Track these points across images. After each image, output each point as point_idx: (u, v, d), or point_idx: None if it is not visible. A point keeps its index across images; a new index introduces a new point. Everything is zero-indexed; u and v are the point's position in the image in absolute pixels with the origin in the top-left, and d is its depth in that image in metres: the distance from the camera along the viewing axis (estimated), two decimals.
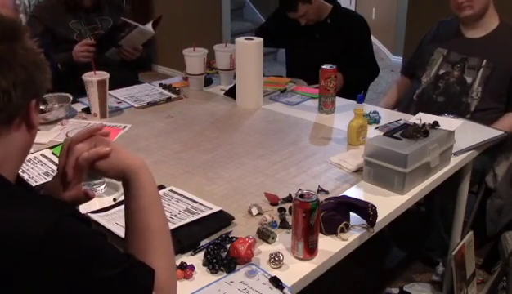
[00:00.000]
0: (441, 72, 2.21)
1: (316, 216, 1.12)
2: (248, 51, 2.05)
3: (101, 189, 1.42)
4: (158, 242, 0.90)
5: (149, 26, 2.33)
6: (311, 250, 1.14)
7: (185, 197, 1.37)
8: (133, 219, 0.92)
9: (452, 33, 2.24)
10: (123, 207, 1.31)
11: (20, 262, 0.71)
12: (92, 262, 0.77)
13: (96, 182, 1.40)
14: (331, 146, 1.76)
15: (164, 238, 0.92)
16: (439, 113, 1.76)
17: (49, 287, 0.73)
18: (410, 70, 2.44)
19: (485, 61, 2.12)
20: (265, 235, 1.20)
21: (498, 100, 2.12)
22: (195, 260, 1.13)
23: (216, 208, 1.30)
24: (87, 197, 1.01)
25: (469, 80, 2.14)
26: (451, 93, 2.16)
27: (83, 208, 1.30)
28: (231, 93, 2.19)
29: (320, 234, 1.17)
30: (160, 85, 2.37)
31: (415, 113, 1.83)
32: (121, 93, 2.27)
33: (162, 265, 0.88)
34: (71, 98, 2.03)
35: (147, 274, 0.85)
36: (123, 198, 1.37)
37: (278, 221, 1.27)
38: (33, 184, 1.42)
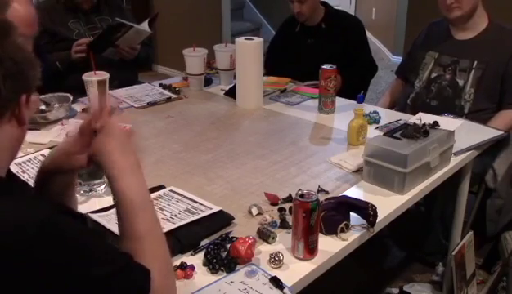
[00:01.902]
0: (433, 75, 2.21)
1: (316, 216, 1.12)
2: (248, 51, 2.05)
3: (101, 189, 1.41)
4: (147, 246, 0.87)
5: (145, 25, 2.33)
6: (311, 250, 1.14)
7: (185, 197, 1.37)
8: (119, 223, 0.90)
9: (443, 35, 2.24)
10: None
11: (9, 261, 0.71)
12: (85, 260, 0.76)
13: (96, 182, 1.40)
14: (331, 146, 1.76)
15: (154, 242, 0.89)
16: None
17: (42, 286, 0.72)
18: (404, 72, 2.44)
19: (476, 63, 2.11)
20: (265, 235, 1.20)
21: (491, 100, 2.12)
22: (195, 260, 1.13)
23: (216, 208, 1.30)
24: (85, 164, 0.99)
25: (460, 82, 2.14)
26: (444, 96, 2.16)
27: (84, 208, 1.30)
28: (231, 93, 2.19)
29: (320, 234, 1.17)
30: (160, 85, 2.37)
31: None
32: (121, 93, 2.27)
33: (154, 268, 0.85)
34: (71, 98, 2.03)
35: (143, 275, 0.83)
36: None
37: (278, 221, 1.27)
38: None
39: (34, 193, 0.99)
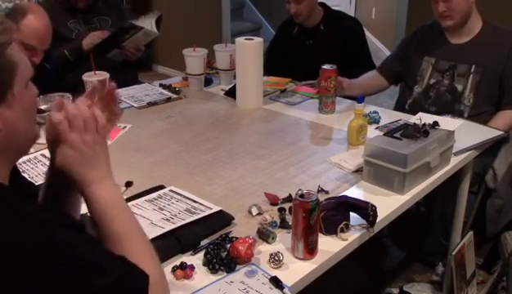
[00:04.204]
0: (431, 81, 2.20)
1: (316, 215, 1.12)
2: (248, 51, 2.05)
3: None
4: (129, 245, 0.87)
5: (153, 27, 2.33)
6: (311, 250, 1.14)
7: (185, 197, 1.37)
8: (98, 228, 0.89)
9: (438, 39, 2.22)
10: None
11: (11, 278, 0.71)
12: (87, 273, 0.76)
13: None
14: (331, 146, 1.76)
15: (137, 241, 0.88)
16: None
17: None
18: (385, 70, 2.38)
19: (474, 67, 2.10)
20: (265, 235, 1.20)
21: (490, 102, 2.11)
22: (195, 260, 1.13)
23: (216, 208, 1.30)
24: None
25: (459, 88, 2.13)
26: (443, 102, 2.15)
27: (83, 208, 1.30)
28: (231, 93, 2.19)
29: (320, 234, 1.17)
30: (160, 85, 2.37)
31: None
32: (121, 93, 2.26)
33: (145, 263, 0.85)
34: (71, 98, 2.02)
35: (142, 278, 0.82)
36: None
37: (278, 221, 1.27)
38: None
39: (36, 198, 0.97)
